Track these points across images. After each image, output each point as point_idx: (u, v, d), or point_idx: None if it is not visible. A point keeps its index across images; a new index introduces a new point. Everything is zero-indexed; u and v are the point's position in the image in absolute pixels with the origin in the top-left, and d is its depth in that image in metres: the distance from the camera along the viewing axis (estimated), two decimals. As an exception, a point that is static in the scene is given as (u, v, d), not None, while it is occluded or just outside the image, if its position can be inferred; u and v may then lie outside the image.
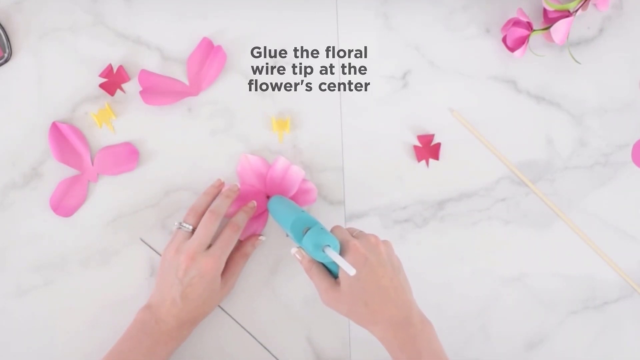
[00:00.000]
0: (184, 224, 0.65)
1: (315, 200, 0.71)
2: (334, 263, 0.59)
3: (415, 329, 0.59)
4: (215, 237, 0.65)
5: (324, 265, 0.62)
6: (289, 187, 0.69)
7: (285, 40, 0.72)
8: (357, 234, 0.63)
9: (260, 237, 0.69)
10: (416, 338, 0.58)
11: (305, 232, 0.60)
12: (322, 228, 0.60)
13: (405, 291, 0.60)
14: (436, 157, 0.71)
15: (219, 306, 0.70)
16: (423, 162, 0.72)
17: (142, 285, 0.69)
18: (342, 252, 0.60)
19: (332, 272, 0.62)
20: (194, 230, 0.65)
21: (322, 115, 0.72)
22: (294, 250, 0.63)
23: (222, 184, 0.69)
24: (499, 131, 0.72)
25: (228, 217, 0.67)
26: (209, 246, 0.64)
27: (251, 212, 0.68)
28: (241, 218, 0.66)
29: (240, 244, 0.69)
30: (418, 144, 0.71)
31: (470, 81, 0.73)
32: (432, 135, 0.71)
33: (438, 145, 0.71)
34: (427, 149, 0.71)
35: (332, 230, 0.62)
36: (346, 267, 0.55)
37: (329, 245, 0.58)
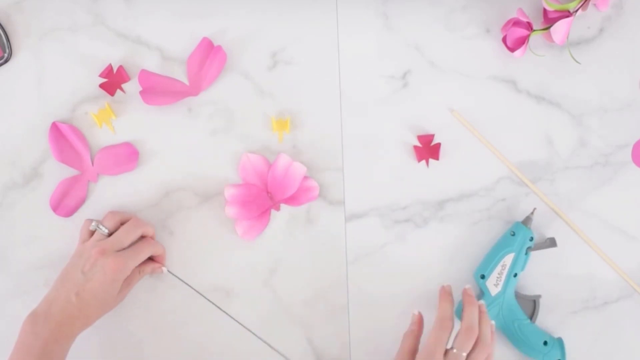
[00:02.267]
0: (101, 226, 0.66)
1: (317, 197, 0.71)
2: None
3: None
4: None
5: None
6: (290, 185, 0.70)
7: (285, 40, 0.72)
8: (459, 342, 0.60)
9: (163, 268, 0.69)
10: None
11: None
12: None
13: None
14: (436, 157, 0.71)
15: (220, 307, 0.70)
16: (423, 162, 0.72)
17: (140, 285, 0.69)
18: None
19: None
20: (109, 235, 0.66)
21: (322, 115, 0.72)
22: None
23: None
24: (499, 131, 0.72)
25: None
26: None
27: (158, 254, 0.69)
28: (158, 245, 0.68)
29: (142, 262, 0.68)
30: (418, 144, 0.71)
31: (470, 81, 0.73)
32: (432, 135, 0.71)
33: (438, 145, 0.71)
34: (427, 149, 0.71)
35: (439, 327, 0.61)
36: None
37: None
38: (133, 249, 0.65)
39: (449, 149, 0.72)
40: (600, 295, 0.72)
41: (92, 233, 0.67)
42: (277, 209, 0.70)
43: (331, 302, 0.71)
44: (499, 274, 0.68)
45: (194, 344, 0.70)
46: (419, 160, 0.72)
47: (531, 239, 0.69)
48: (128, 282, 0.66)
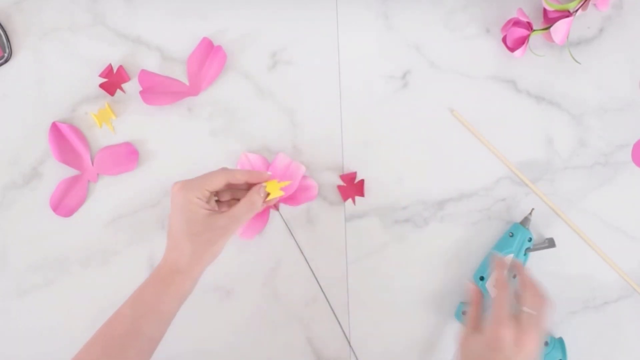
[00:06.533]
0: None
1: (316, 196, 0.71)
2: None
3: None
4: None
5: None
6: (289, 184, 0.70)
7: (285, 40, 0.72)
8: (526, 317, 0.58)
9: (263, 185, 0.62)
10: None
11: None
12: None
13: None
14: (361, 194, 0.71)
15: (220, 306, 0.70)
16: (423, 161, 0.72)
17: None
18: (490, 322, 0.58)
19: None
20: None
21: (322, 115, 0.72)
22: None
23: (267, 177, 0.63)
24: (499, 131, 0.72)
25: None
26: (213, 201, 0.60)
27: (235, 181, 0.61)
28: (235, 173, 0.60)
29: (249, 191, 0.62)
30: (341, 183, 0.71)
31: (470, 81, 0.73)
32: (355, 173, 0.71)
33: (362, 182, 0.71)
34: (352, 186, 0.71)
35: (499, 289, 0.60)
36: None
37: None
38: (200, 178, 0.59)
39: (449, 149, 0.72)
40: (600, 295, 0.72)
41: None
42: (277, 208, 0.70)
43: (331, 302, 0.71)
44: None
45: (194, 344, 0.70)
46: (345, 199, 0.71)
47: (530, 240, 0.69)
48: (231, 213, 0.59)
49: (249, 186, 0.62)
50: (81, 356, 0.56)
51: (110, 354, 0.55)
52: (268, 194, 0.61)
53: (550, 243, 0.69)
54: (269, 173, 0.61)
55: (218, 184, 0.59)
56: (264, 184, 0.61)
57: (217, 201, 0.63)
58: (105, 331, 0.57)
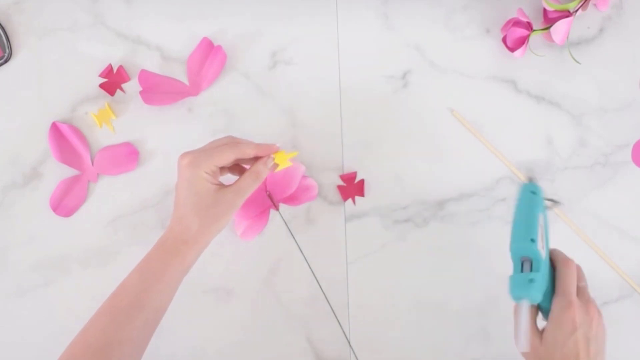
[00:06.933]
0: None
1: (316, 197, 0.71)
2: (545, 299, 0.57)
3: None
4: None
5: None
6: (289, 184, 0.70)
7: (285, 40, 0.72)
8: (581, 290, 0.59)
9: (271, 156, 0.61)
10: None
11: (523, 267, 0.56)
12: (539, 277, 0.55)
13: None
14: (361, 194, 0.71)
15: (220, 307, 0.70)
16: (423, 161, 0.72)
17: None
18: (556, 307, 0.56)
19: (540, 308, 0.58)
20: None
21: (322, 115, 0.72)
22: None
23: (276, 149, 0.63)
24: (499, 131, 0.72)
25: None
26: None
27: (245, 155, 0.61)
28: (244, 147, 0.60)
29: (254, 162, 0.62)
30: (342, 183, 0.71)
31: (470, 81, 0.73)
32: (355, 173, 0.71)
33: (362, 182, 0.71)
34: (352, 186, 0.71)
35: (560, 272, 0.58)
36: (523, 338, 0.54)
37: (526, 300, 0.55)
38: (211, 147, 0.59)
39: (449, 148, 0.72)
40: (600, 295, 0.72)
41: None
42: (277, 208, 0.70)
43: (331, 302, 0.71)
44: (541, 235, 0.58)
45: (193, 343, 0.70)
46: (345, 199, 0.71)
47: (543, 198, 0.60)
48: (237, 186, 0.59)
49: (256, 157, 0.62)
50: (88, 327, 0.57)
51: (117, 325, 0.56)
52: (277, 165, 0.62)
53: (554, 203, 0.61)
54: (278, 145, 0.62)
55: (227, 160, 0.59)
56: (272, 155, 0.61)
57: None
58: (112, 302, 0.58)
